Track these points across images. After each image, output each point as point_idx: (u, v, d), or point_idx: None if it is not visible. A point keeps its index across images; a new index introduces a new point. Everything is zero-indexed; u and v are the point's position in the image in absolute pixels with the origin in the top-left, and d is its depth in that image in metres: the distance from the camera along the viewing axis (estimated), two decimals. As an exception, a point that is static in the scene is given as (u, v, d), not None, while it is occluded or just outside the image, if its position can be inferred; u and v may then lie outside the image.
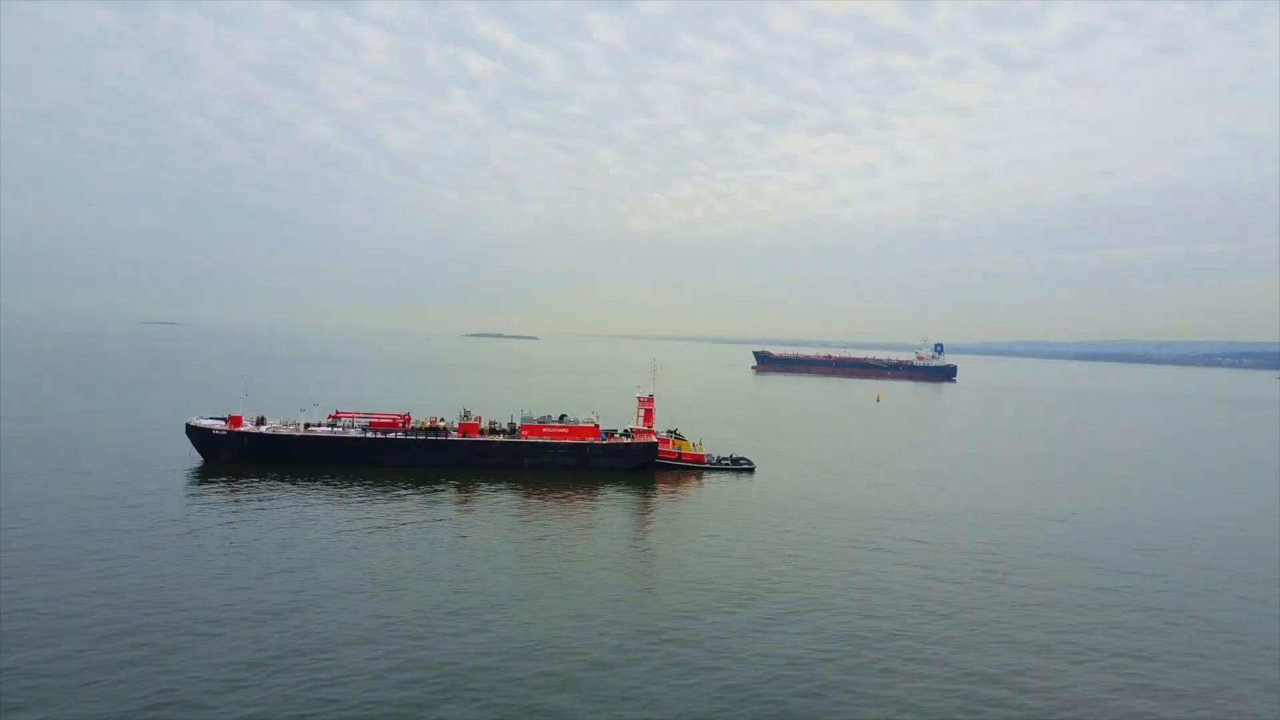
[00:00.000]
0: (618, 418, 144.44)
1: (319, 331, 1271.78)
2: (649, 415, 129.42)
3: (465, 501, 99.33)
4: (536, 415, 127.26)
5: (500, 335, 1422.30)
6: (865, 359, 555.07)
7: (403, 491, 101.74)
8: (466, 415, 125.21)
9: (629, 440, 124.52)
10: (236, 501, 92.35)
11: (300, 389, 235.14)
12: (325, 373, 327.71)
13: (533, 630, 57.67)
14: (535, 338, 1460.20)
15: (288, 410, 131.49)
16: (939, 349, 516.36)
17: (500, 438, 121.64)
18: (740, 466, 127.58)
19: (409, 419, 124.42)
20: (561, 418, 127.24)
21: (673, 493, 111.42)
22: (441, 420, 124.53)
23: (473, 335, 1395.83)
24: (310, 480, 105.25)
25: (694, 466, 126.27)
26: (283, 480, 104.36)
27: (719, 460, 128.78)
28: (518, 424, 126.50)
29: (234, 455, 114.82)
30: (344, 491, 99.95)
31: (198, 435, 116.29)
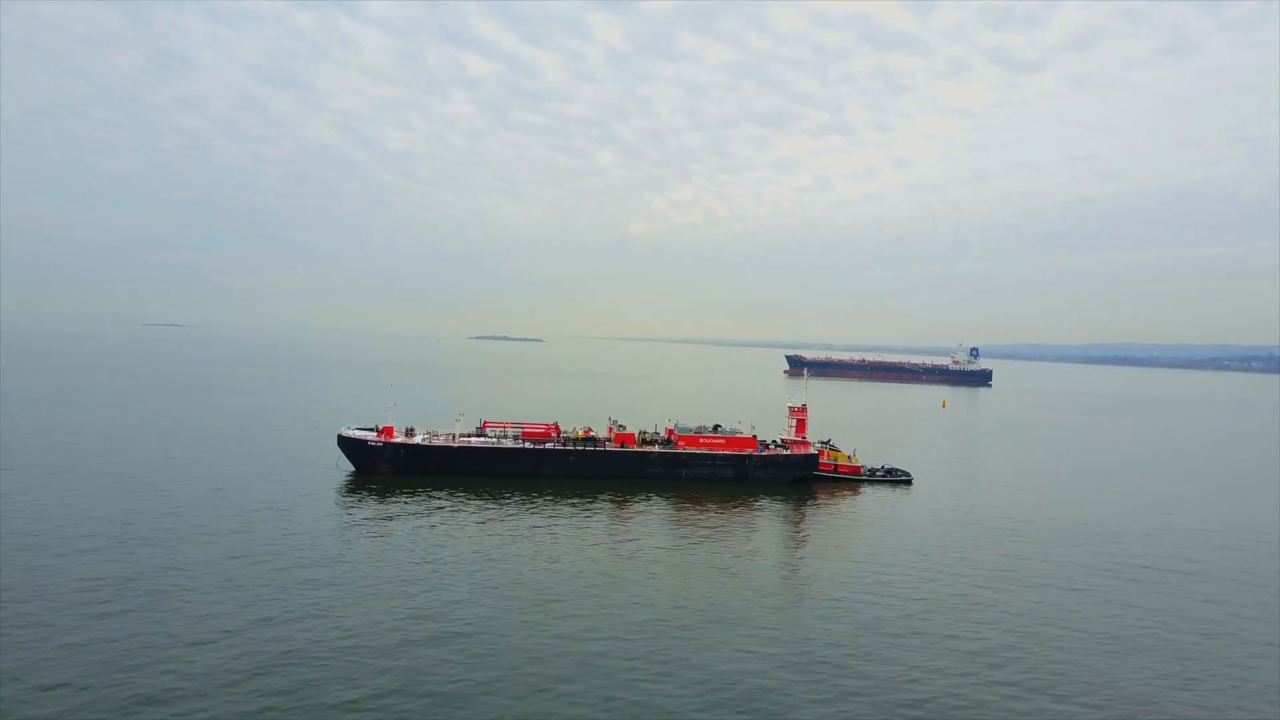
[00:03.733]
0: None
1: (328, 334, 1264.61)
2: (801, 425, 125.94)
3: (643, 514, 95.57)
4: (693, 425, 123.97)
5: (505, 338, 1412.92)
6: (900, 363, 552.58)
7: (578, 502, 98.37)
8: (620, 426, 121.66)
9: (788, 452, 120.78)
10: (427, 514, 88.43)
11: (377, 396, 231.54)
12: (377, 378, 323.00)
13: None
14: (540, 340, 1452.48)
15: (401, 418, 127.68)
16: (975, 353, 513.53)
17: (656, 448, 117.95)
18: (897, 478, 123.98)
19: (558, 428, 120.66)
20: (715, 428, 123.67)
21: (838, 507, 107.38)
22: (590, 430, 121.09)
23: (477, 337, 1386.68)
24: (476, 491, 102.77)
25: (850, 478, 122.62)
26: (453, 491, 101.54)
27: (873, 472, 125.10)
28: (661, 432, 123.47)
29: (390, 467, 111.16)
30: (524, 502, 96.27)
31: (351, 446, 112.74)
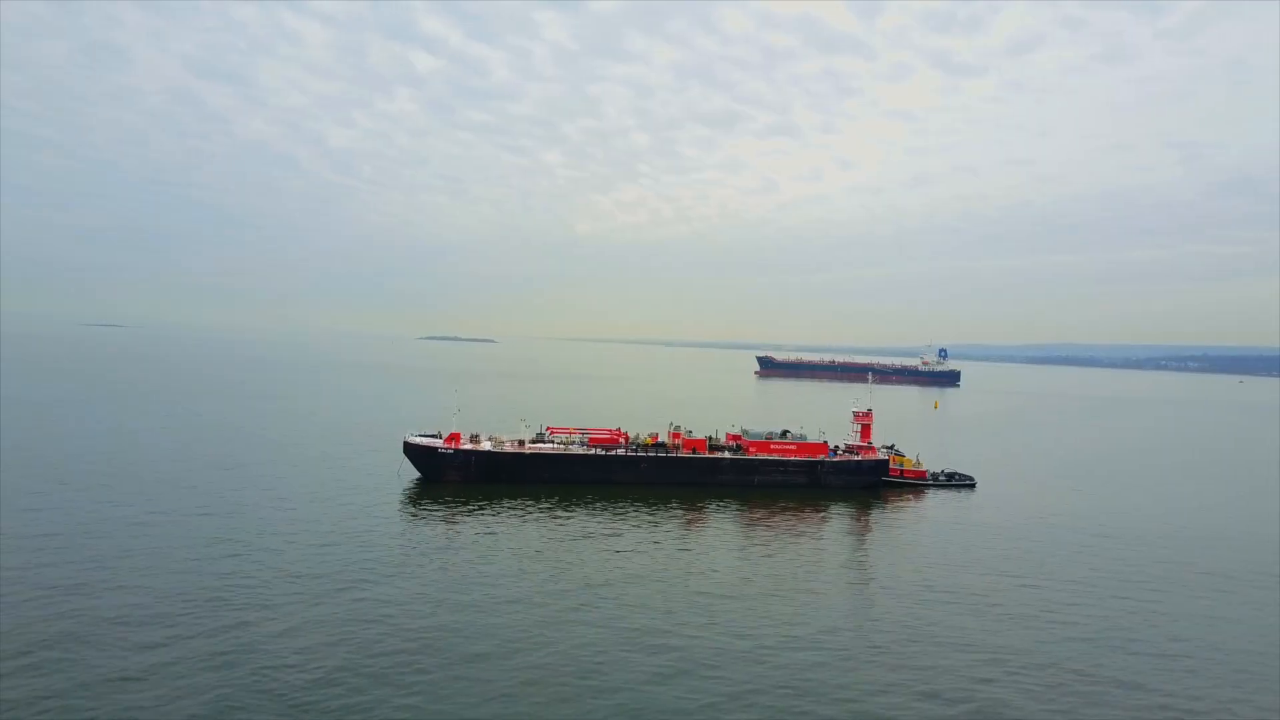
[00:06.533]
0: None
1: (275, 335, 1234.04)
2: (866, 431, 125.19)
3: (735, 523, 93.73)
4: (764, 431, 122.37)
5: (455, 339, 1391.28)
6: (871, 364, 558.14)
7: (672, 510, 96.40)
8: (688, 431, 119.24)
9: (859, 458, 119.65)
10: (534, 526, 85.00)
11: (374, 399, 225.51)
12: (362, 381, 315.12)
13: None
14: (492, 340, 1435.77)
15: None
16: (943, 354, 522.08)
17: (727, 454, 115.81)
18: (961, 483, 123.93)
19: (624, 434, 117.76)
20: (784, 433, 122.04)
21: (914, 513, 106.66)
22: (657, 436, 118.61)
23: (427, 338, 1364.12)
24: (555, 499, 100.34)
25: (916, 483, 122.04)
26: (535, 500, 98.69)
27: (935, 476, 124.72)
28: (721, 438, 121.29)
29: (461, 475, 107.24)
30: (614, 510, 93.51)
31: (419, 453, 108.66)
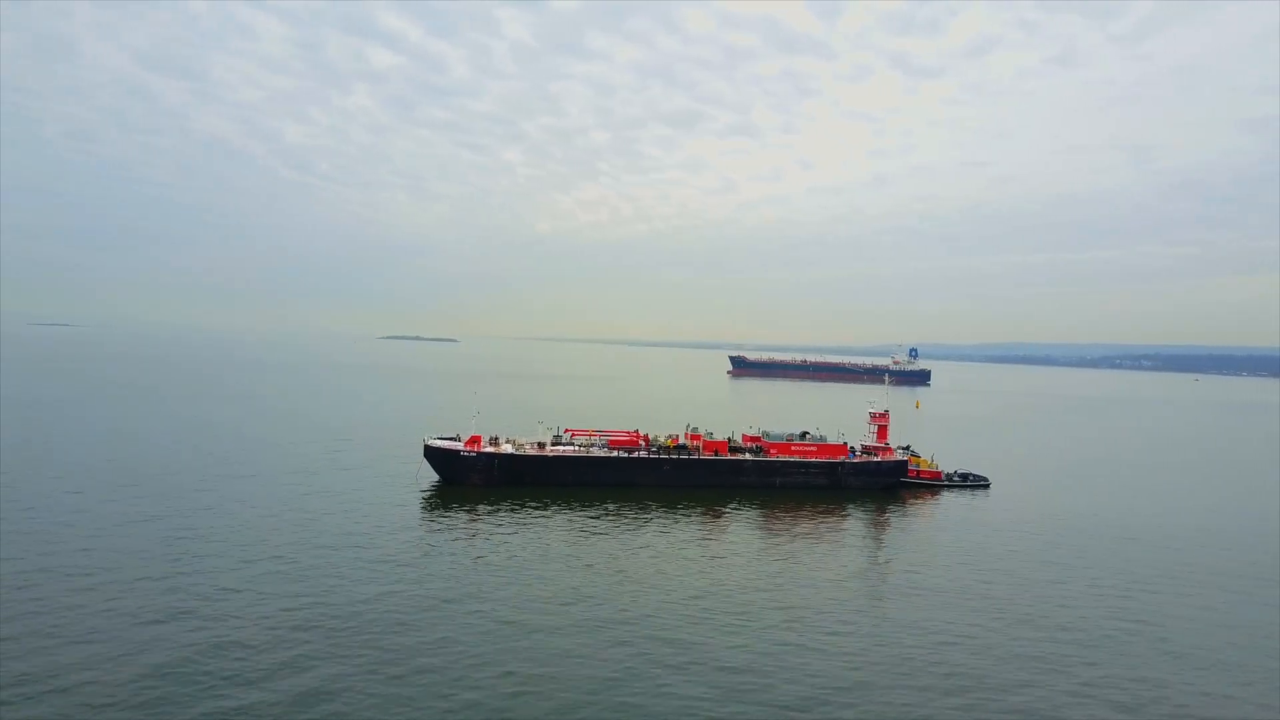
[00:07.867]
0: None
1: (235, 336, 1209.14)
2: (883, 431, 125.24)
3: (771, 527, 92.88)
4: (784, 433, 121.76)
5: (417, 338, 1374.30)
6: (842, 364, 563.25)
7: (686, 512, 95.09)
8: (708, 434, 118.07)
9: (879, 459, 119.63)
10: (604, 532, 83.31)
11: (361, 401, 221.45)
12: (345, 383, 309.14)
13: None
14: (454, 340, 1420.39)
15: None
16: (914, 354, 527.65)
17: (748, 456, 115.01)
18: (976, 483, 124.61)
19: (643, 436, 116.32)
20: (803, 435, 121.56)
21: (933, 516, 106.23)
22: (677, 438, 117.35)
23: (389, 338, 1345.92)
24: (581, 502, 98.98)
25: (932, 484, 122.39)
26: (555, 503, 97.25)
27: (950, 476, 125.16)
28: (737, 439, 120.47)
29: (484, 478, 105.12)
30: (650, 514, 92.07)
31: (440, 457, 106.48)
